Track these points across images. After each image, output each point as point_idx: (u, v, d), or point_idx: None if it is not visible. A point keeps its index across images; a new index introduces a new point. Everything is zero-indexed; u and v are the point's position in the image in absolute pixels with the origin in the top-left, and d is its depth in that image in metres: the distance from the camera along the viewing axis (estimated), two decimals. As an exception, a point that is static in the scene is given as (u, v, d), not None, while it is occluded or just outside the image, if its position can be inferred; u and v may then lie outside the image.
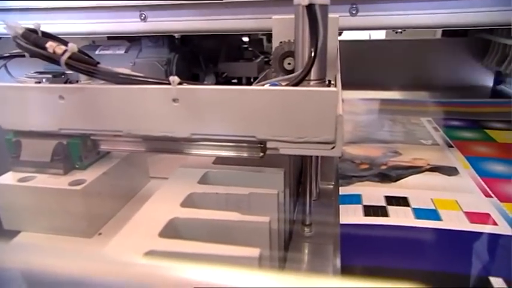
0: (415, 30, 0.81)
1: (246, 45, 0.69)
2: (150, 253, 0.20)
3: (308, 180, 0.31)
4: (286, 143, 0.25)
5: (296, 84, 0.26)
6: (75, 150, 0.28)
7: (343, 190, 0.42)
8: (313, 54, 0.26)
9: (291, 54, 0.33)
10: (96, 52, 0.56)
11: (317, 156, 0.33)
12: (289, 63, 0.33)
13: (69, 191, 0.26)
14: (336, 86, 0.32)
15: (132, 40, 0.59)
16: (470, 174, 0.44)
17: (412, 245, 0.32)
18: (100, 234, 0.27)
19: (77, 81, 0.34)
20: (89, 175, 0.27)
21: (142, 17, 0.46)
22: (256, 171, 0.29)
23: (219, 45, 0.64)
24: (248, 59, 0.66)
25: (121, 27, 0.46)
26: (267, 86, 0.26)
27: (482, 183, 0.42)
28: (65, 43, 0.26)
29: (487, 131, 0.58)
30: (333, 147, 0.24)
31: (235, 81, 0.69)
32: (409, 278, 0.28)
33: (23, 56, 0.28)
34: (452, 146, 0.52)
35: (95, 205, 0.27)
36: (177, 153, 0.27)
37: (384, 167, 0.47)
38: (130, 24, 0.46)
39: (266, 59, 0.75)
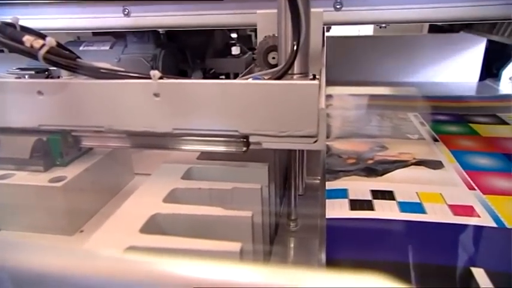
0: (403, 27, 0.82)
1: (233, 41, 0.69)
2: (131, 249, 0.20)
3: (293, 174, 0.31)
4: (269, 137, 0.24)
5: (279, 78, 0.26)
6: (55, 146, 0.27)
7: (330, 185, 0.42)
8: (295, 47, 0.25)
9: (275, 48, 0.33)
10: (81, 48, 0.55)
11: (302, 151, 0.33)
12: (273, 58, 0.33)
13: (49, 188, 0.25)
14: (320, 80, 0.32)
15: (117, 36, 0.59)
16: (455, 168, 0.44)
17: (397, 238, 0.32)
18: (82, 231, 0.27)
19: (59, 77, 0.34)
20: (70, 172, 0.27)
21: (125, 12, 0.46)
22: (240, 166, 0.29)
23: (206, 41, 0.63)
24: (236, 55, 0.66)
25: (104, 22, 0.46)
26: (249, 80, 0.26)
27: (466, 176, 0.42)
28: (43, 37, 0.26)
29: (471, 125, 0.59)
30: (316, 141, 0.24)
31: (222, 77, 0.69)
32: (393, 271, 0.28)
33: (1, 51, 0.27)
34: (437, 140, 0.53)
35: (76, 202, 0.26)
36: (160, 148, 0.27)
37: (370, 162, 0.47)
38: (113, 19, 0.45)
39: (254, 55, 0.74)
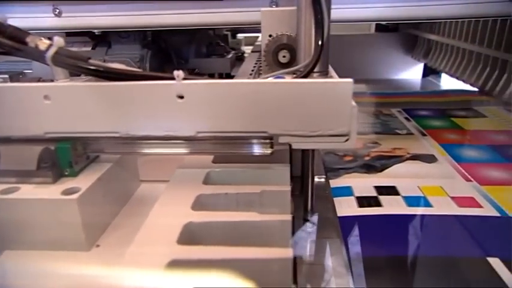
0: (352, 26, 0.84)
1: (217, 41, 0.67)
2: (173, 263, 0.18)
3: (310, 174, 0.31)
4: (299, 137, 0.24)
5: (304, 77, 0.25)
6: (64, 155, 0.25)
7: (333, 183, 0.42)
8: (320, 44, 0.25)
9: (285, 46, 0.32)
10: (59, 49, 0.52)
11: (313, 150, 0.32)
12: (284, 56, 0.32)
13: (64, 201, 0.23)
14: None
15: (94, 37, 0.56)
16: (448, 161, 0.46)
17: (413, 233, 0.32)
18: (98, 246, 0.25)
19: (52, 80, 0.31)
20: (82, 182, 0.25)
21: (56, 12, 0.43)
22: (260, 168, 0.28)
23: (190, 41, 0.62)
24: (220, 54, 0.64)
25: (33, 22, 0.42)
26: (272, 79, 0.25)
27: (460, 168, 0.44)
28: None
29: (453, 119, 0.61)
30: (347, 140, 0.24)
31: (206, 77, 0.67)
32: (416, 265, 0.29)
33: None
34: (425, 135, 0.54)
35: (91, 214, 0.24)
36: (182, 154, 0.26)
37: (367, 158, 0.48)
38: (44, 19, 0.43)
39: (238, 55, 0.74)
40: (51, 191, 0.24)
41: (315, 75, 0.28)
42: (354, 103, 0.23)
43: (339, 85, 0.22)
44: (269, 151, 0.25)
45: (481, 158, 0.47)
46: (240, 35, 0.97)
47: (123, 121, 0.24)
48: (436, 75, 0.94)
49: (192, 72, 0.65)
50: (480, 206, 0.36)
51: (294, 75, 0.26)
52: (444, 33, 0.76)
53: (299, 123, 0.23)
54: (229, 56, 0.66)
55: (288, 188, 0.25)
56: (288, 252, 0.19)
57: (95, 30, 0.48)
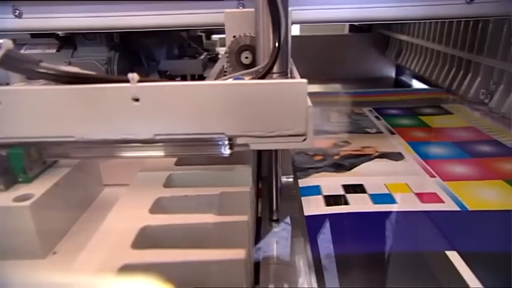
0: (326, 27, 0.86)
1: (189, 43, 0.67)
2: (125, 268, 0.18)
3: (274, 175, 0.31)
4: (257, 138, 0.24)
5: (261, 78, 0.26)
6: (17, 161, 0.24)
7: (302, 182, 0.43)
8: (277, 46, 0.25)
9: (248, 48, 0.32)
10: (22, 51, 0.50)
11: (277, 151, 0.32)
12: (246, 57, 0.32)
13: (15, 209, 0.22)
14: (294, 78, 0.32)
15: (61, 38, 0.54)
16: (414, 158, 0.47)
17: (376, 230, 0.33)
18: (55, 253, 0.24)
19: (7, 84, 0.30)
20: (37, 188, 0.24)
21: (16, 13, 0.42)
22: (222, 170, 0.28)
23: (161, 42, 0.61)
24: (192, 56, 0.64)
25: None
26: (231, 81, 0.25)
27: (426, 165, 0.45)
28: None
29: (420, 117, 0.63)
30: (305, 139, 0.24)
31: (178, 79, 0.67)
32: (377, 262, 0.29)
33: None
34: (394, 133, 0.56)
35: (47, 221, 0.24)
36: (138, 157, 0.25)
37: (337, 157, 0.48)
38: (3, 20, 0.41)
39: (211, 56, 0.73)
40: (3, 199, 0.23)
41: (274, 76, 0.28)
42: (309, 103, 0.23)
43: (294, 86, 0.22)
44: (228, 152, 0.25)
45: (446, 154, 0.48)
46: (214, 36, 0.97)
47: (78, 125, 0.23)
48: (409, 74, 0.96)
49: (164, 75, 0.65)
50: (442, 201, 0.37)
51: (253, 77, 0.26)
52: (413, 34, 0.78)
53: (256, 124, 0.23)
54: (202, 57, 0.65)
55: (247, 189, 0.25)
56: (240, 253, 0.19)
57: (59, 32, 0.46)
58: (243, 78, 0.27)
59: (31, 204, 0.22)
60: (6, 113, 0.23)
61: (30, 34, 0.58)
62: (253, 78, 0.25)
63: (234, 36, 0.33)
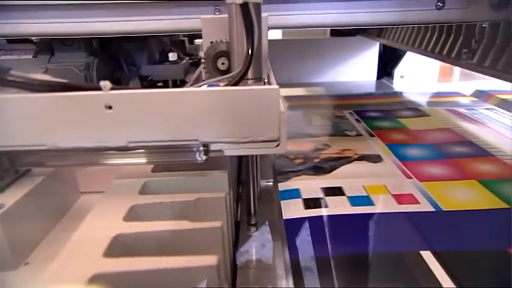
0: (308, 31, 0.87)
1: (169, 47, 0.67)
2: (96, 277, 0.18)
3: (251, 179, 0.31)
4: (231, 144, 0.24)
5: (235, 84, 0.26)
6: (-13, 171, 0.24)
7: (282, 186, 0.43)
8: (250, 52, 0.26)
9: (224, 54, 0.32)
10: (-2, 57, 0.50)
11: (257, 155, 0.33)
12: (222, 63, 0.33)
13: (-15, 219, 0.22)
14: (270, 84, 0.33)
15: (37, 44, 0.53)
16: (392, 160, 0.48)
17: (354, 232, 0.34)
18: (27, 264, 0.24)
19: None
20: (8, 198, 0.24)
21: None
22: (199, 176, 0.28)
23: (142, 47, 0.61)
24: (173, 61, 0.64)
25: None
26: (205, 87, 0.25)
27: (403, 166, 0.46)
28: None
29: (399, 119, 0.64)
30: (278, 145, 0.24)
31: (160, 84, 0.67)
32: (353, 263, 0.30)
33: None
34: (373, 136, 0.57)
35: (18, 231, 0.23)
36: (113, 164, 0.25)
37: (317, 160, 0.49)
38: None
39: (191, 61, 0.73)
40: (-28, 209, 0.23)
41: (249, 82, 0.28)
42: (282, 109, 0.24)
43: (266, 92, 0.23)
44: (203, 158, 0.25)
45: (422, 155, 0.49)
46: (197, 41, 0.97)
47: (50, 133, 0.23)
48: (389, 77, 0.98)
49: (145, 80, 0.65)
50: (418, 202, 0.38)
51: (227, 83, 0.27)
52: (389, 38, 0.80)
53: (230, 130, 0.24)
54: (183, 62, 0.65)
55: (222, 195, 0.25)
56: (213, 260, 0.19)
57: (33, 38, 0.46)
58: (217, 85, 0.27)
59: (1, 214, 0.22)
60: (-26, 122, 0.23)
61: (6, 39, 0.57)
62: (226, 85, 0.25)
63: (211, 42, 0.34)
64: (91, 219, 0.23)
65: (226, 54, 0.32)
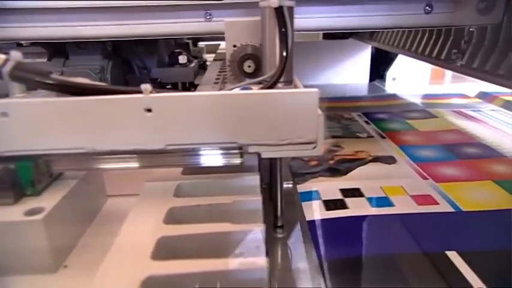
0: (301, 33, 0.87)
1: (179, 50, 0.67)
2: (149, 280, 0.18)
3: (278, 181, 0.32)
4: (269, 146, 0.24)
5: (271, 87, 0.26)
6: (25, 174, 0.24)
7: (301, 187, 0.43)
8: (285, 55, 0.26)
9: (250, 57, 0.33)
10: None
11: (281, 158, 0.33)
12: (249, 66, 0.33)
13: (27, 223, 0.22)
14: (296, 86, 0.33)
15: (48, 47, 0.53)
16: (406, 161, 0.49)
17: (378, 232, 0.34)
18: (66, 267, 0.24)
19: (6, 95, 0.30)
20: (47, 201, 0.24)
21: None
22: (230, 178, 0.28)
23: (152, 50, 0.61)
24: (183, 63, 0.64)
25: None
26: (242, 90, 0.26)
27: (418, 167, 0.47)
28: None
29: (407, 121, 0.65)
30: (315, 147, 0.24)
31: (169, 86, 0.67)
32: (385, 263, 0.30)
33: None
34: (384, 137, 0.57)
35: (58, 234, 0.23)
36: (149, 167, 0.25)
37: (331, 162, 0.49)
38: None
39: (200, 63, 0.73)
40: (13, 213, 0.22)
41: (279, 85, 0.28)
42: (319, 111, 0.24)
43: (305, 95, 0.23)
44: (239, 161, 0.25)
45: (435, 156, 0.50)
46: (201, 43, 0.97)
47: (89, 137, 0.23)
48: (381, 79, 0.99)
49: (155, 82, 0.65)
50: (437, 203, 0.39)
51: (260, 86, 0.27)
52: (380, 41, 0.81)
53: (268, 133, 0.24)
54: (192, 65, 0.65)
55: (260, 197, 0.25)
56: (263, 261, 0.19)
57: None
58: (250, 88, 0.27)
59: (44, 217, 0.22)
60: (14, 126, 0.23)
61: (16, 43, 0.57)
62: (262, 88, 0.26)
63: (234, 46, 0.34)
64: (131, 222, 0.23)
65: (253, 57, 0.33)
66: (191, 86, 0.66)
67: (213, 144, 0.24)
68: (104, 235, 0.26)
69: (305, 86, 0.26)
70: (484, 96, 0.76)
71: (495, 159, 0.48)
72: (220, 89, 0.42)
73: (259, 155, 0.25)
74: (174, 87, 0.66)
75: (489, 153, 0.50)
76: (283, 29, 0.26)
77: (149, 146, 0.24)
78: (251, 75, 0.33)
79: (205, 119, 0.23)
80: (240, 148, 0.25)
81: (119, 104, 0.23)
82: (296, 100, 0.23)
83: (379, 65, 1.00)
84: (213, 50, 1.00)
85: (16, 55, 0.22)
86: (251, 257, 0.20)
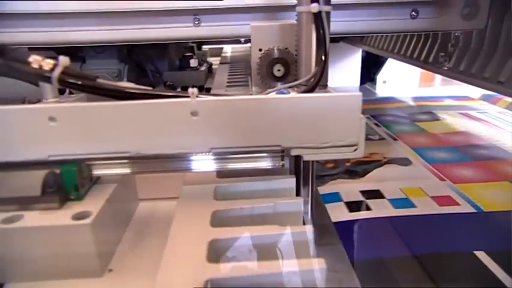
0: None
1: (190, 54, 0.67)
2: (210, 282, 0.18)
3: (310, 184, 0.32)
4: (311, 149, 0.25)
5: (311, 90, 0.27)
6: (70, 178, 0.24)
7: (321, 189, 0.44)
8: (324, 59, 0.26)
9: (280, 60, 0.33)
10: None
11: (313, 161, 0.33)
12: (278, 70, 0.33)
13: (76, 227, 0.22)
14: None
15: (60, 51, 0.53)
16: (421, 163, 0.49)
17: (405, 233, 0.35)
18: (111, 270, 0.24)
19: (39, 100, 0.30)
20: (91, 205, 0.24)
21: None
22: (267, 180, 0.29)
23: (163, 54, 0.61)
24: (194, 67, 0.64)
25: None
26: (276, 94, 0.26)
27: (434, 169, 0.47)
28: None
29: (416, 123, 0.66)
30: (356, 149, 0.25)
31: (179, 89, 0.67)
32: (412, 264, 0.31)
33: None
34: (396, 139, 0.58)
35: (103, 238, 0.23)
36: (192, 170, 0.26)
37: (348, 164, 0.50)
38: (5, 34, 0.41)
39: (209, 67, 0.74)
40: (60, 217, 0.22)
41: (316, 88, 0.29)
42: (361, 115, 0.24)
43: (349, 98, 0.23)
44: (281, 164, 0.26)
45: (449, 158, 0.51)
46: (204, 47, 0.98)
47: (134, 140, 0.23)
48: (372, 82, 1.00)
49: (165, 85, 0.65)
50: (457, 204, 0.39)
51: (296, 89, 0.27)
52: (370, 44, 0.82)
53: (310, 136, 0.24)
54: (203, 68, 0.66)
55: (301, 200, 0.26)
56: (321, 263, 0.19)
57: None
58: (288, 92, 0.27)
59: (92, 221, 0.22)
60: (61, 130, 0.23)
61: (28, 47, 0.56)
62: (303, 92, 0.26)
63: (260, 50, 0.34)
64: (179, 225, 0.23)
65: (281, 60, 0.33)
66: (202, 90, 0.67)
67: (256, 148, 0.24)
68: (140, 239, 0.26)
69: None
70: (487, 98, 0.78)
71: (509, 161, 0.49)
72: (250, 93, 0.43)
73: (296, 157, 0.26)
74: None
75: (502, 154, 0.51)
76: (322, 34, 0.26)
77: (194, 150, 0.24)
78: (280, 79, 0.34)
79: (250, 123, 0.24)
80: (282, 151, 0.26)
81: (166, 108, 0.23)
82: (340, 104, 0.23)
83: (370, 68, 1.00)
84: (216, 53, 1.00)
85: (64, 60, 0.22)
86: (303, 258, 0.20)
